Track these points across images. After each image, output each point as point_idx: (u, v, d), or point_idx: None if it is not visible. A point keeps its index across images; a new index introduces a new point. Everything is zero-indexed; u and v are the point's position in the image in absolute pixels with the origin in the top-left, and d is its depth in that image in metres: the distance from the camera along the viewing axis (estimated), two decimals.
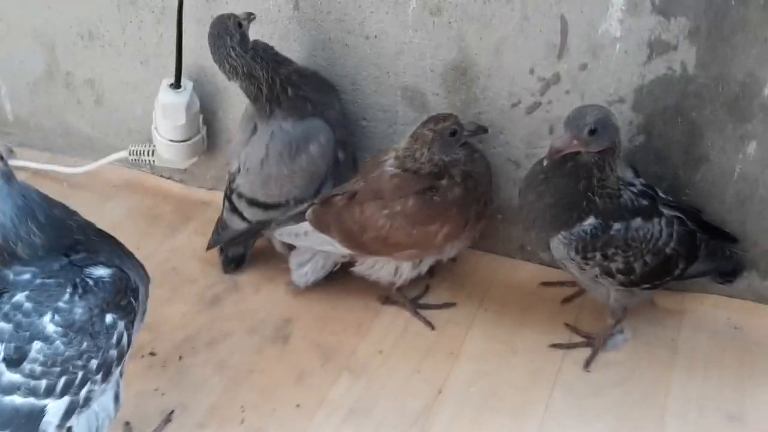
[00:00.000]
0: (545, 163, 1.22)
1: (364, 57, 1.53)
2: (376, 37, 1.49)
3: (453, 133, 1.36)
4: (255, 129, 1.53)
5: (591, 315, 1.52)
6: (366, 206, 1.42)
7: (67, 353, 1.00)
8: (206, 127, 1.78)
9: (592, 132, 1.20)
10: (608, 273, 1.30)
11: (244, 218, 1.57)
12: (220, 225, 1.63)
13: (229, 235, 1.61)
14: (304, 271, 1.55)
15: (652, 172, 1.38)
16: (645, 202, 1.29)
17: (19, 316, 0.99)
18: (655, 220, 1.29)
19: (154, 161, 1.83)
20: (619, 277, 1.31)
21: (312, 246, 1.51)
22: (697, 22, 1.23)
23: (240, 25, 1.42)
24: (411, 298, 1.57)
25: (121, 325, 1.05)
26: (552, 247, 1.31)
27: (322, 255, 1.52)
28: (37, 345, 0.99)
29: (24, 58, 1.91)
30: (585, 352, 1.44)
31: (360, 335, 1.51)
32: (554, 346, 1.45)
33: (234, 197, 1.57)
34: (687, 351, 1.44)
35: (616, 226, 1.27)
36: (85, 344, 1.02)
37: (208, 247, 1.65)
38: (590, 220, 1.26)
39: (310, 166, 1.49)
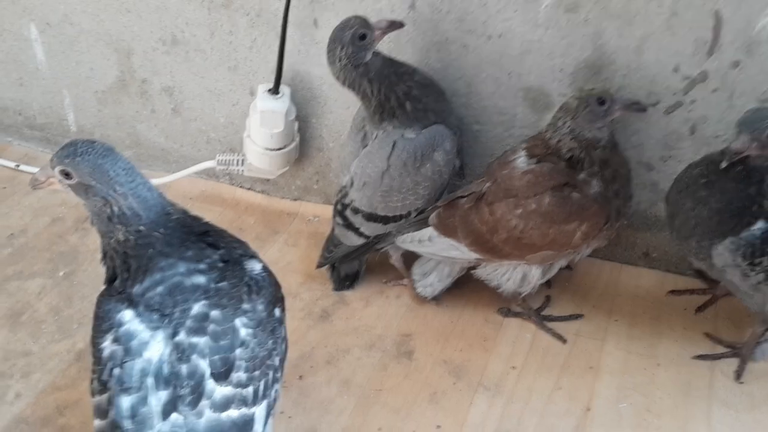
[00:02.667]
0: (723, 164, 1.15)
1: (485, 57, 1.46)
2: (500, 36, 1.42)
3: (602, 102, 1.26)
4: (365, 138, 1.46)
5: (729, 324, 1.45)
6: (496, 206, 1.34)
7: (261, 354, 0.98)
8: (299, 135, 1.69)
9: None
10: None
11: (360, 234, 1.48)
12: (331, 242, 1.54)
13: (342, 251, 1.53)
14: (430, 281, 1.48)
15: None
16: None
17: (213, 326, 0.95)
18: None
19: (243, 171, 1.75)
20: None
21: (437, 252, 1.43)
22: None
23: (363, 36, 1.33)
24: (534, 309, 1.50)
25: (284, 317, 1.06)
26: (715, 255, 1.24)
27: (448, 262, 1.45)
28: (238, 352, 0.95)
29: (95, 66, 1.83)
30: (732, 363, 1.37)
31: (487, 350, 1.43)
32: (699, 357, 1.38)
33: (348, 213, 1.48)
34: None
35: None
36: (270, 342, 1.00)
37: (319, 266, 1.57)
38: (760, 224, 1.19)
39: (434, 174, 1.41)
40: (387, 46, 1.51)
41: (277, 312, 1.04)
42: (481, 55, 1.46)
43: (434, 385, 1.36)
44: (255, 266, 1.04)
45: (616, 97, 1.26)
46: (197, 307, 0.96)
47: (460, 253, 1.40)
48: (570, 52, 1.39)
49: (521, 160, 1.34)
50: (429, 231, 1.42)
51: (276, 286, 1.07)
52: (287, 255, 1.68)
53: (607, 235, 1.36)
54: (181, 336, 0.95)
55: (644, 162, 1.45)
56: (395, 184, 1.41)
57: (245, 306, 0.98)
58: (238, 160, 1.74)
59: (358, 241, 1.49)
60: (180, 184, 1.85)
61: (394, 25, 1.36)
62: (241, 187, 1.87)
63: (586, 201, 1.29)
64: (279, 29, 1.55)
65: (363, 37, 1.33)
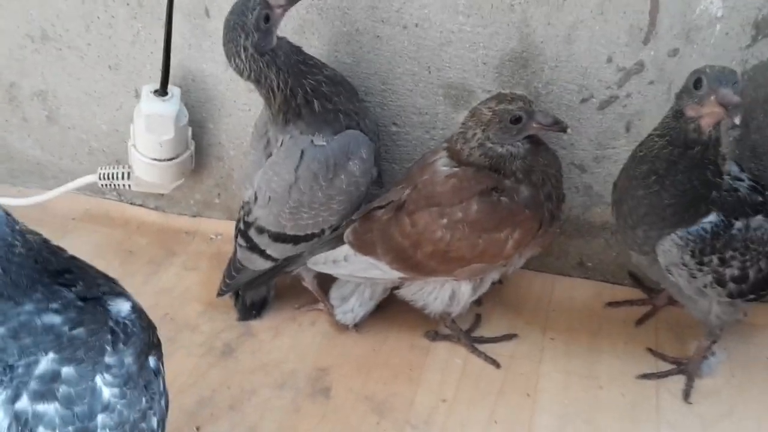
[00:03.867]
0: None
1: (400, 50, 1.30)
2: (417, 25, 1.26)
3: (516, 120, 1.12)
4: (268, 145, 1.26)
5: (671, 336, 1.35)
6: (418, 216, 1.18)
7: (132, 417, 0.80)
8: (194, 143, 1.49)
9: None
10: (720, 282, 1.13)
11: (267, 256, 1.29)
12: (233, 266, 1.34)
13: (247, 277, 1.33)
14: (350, 306, 1.31)
15: (746, 168, 1.21)
16: (759, 198, 1.12)
17: (65, 388, 0.76)
18: None
19: (130, 186, 1.53)
20: (731, 286, 1.13)
21: (355, 273, 1.26)
22: None
23: (267, 18, 1.13)
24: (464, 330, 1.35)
25: (161, 367, 0.89)
26: (661, 251, 1.11)
27: (369, 283, 1.28)
28: (100, 419, 0.77)
29: None
30: (679, 381, 1.26)
31: (414, 381, 1.28)
32: (644, 376, 1.26)
33: (252, 233, 1.28)
34: None
35: (738, 224, 1.10)
36: (143, 401, 0.82)
37: (220, 294, 1.37)
38: (712, 217, 1.08)
39: (350, 187, 1.23)
40: (290, 38, 1.33)
41: (151, 362, 0.86)
42: (396, 48, 1.30)
43: (355, 427, 1.20)
44: (122, 307, 0.84)
45: (534, 112, 1.12)
46: (45, 363, 0.76)
47: (381, 272, 1.24)
48: (494, 43, 1.24)
49: (442, 163, 1.19)
50: (345, 249, 1.25)
51: (149, 330, 0.88)
52: (185, 280, 1.48)
53: (541, 241, 1.22)
54: (23, 402, 0.74)
55: (576, 163, 1.32)
56: (305, 199, 1.23)
57: (108, 359, 0.79)
58: (123, 174, 1.52)
59: (265, 264, 1.30)
60: (60, 203, 1.62)
61: None
62: (131, 203, 1.65)
63: (516, 206, 1.15)
64: (164, 20, 1.34)
65: (267, 18, 1.13)
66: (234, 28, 1.13)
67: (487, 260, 1.19)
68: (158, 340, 0.91)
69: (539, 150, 1.17)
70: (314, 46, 1.34)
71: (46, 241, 0.86)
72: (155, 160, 1.44)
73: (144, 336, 0.86)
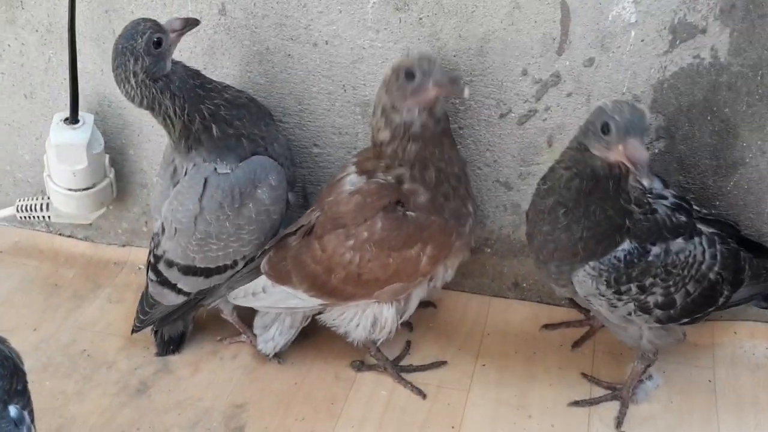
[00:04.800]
0: (647, 182, 0.94)
1: (313, 68, 1.24)
2: (327, 42, 1.21)
3: (409, 75, 1.02)
4: (175, 173, 1.21)
5: (608, 358, 1.28)
6: (326, 240, 1.12)
7: None
8: (114, 170, 1.43)
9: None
10: (645, 309, 1.06)
11: (179, 291, 1.23)
12: (146, 302, 1.28)
13: (161, 312, 1.27)
14: (270, 335, 1.25)
15: (674, 182, 1.15)
16: (683, 218, 1.05)
17: None
18: (696, 239, 1.06)
19: (49, 217, 1.47)
20: (657, 312, 1.07)
21: (275, 305, 1.21)
22: None
23: (158, 43, 1.08)
24: (391, 360, 1.28)
25: (27, 417, 0.84)
26: (576, 282, 1.05)
27: (289, 312, 1.21)
28: None
29: None
30: (613, 407, 1.18)
31: (334, 416, 1.21)
32: (575, 403, 1.19)
33: (162, 266, 1.22)
34: (728, 393, 1.21)
35: (655, 250, 1.03)
36: None
37: (134, 330, 1.31)
38: (624, 245, 1.01)
39: (260, 216, 1.16)
40: (201, 60, 1.28)
41: (11, 411, 0.81)
42: (309, 66, 1.24)
43: None
44: None
45: (432, 70, 1.02)
46: None
47: (301, 301, 1.18)
48: None
49: (350, 180, 1.13)
50: (262, 281, 1.20)
51: (11, 377, 0.82)
52: (108, 314, 1.42)
53: (462, 247, 1.15)
54: None
55: (501, 181, 1.26)
56: (212, 230, 1.16)
57: None
58: (41, 205, 1.47)
59: (177, 299, 1.24)
60: None
61: (189, 23, 1.11)
62: (60, 234, 1.59)
63: (423, 218, 1.09)
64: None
65: (159, 43, 1.08)
66: (123, 52, 1.08)
67: (404, 279, 1.12)
68: (25, 386, 0.85)
69: (440, 145, 1.08)
70: (225, 67, 1.29)
71: None
72: (71, 190, 1.39)
73: (3, 383, 0.80)
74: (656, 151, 1.16)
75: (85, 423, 1.21)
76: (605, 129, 0.94)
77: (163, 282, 1.23)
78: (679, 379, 1.22)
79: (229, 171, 1.15)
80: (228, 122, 1.14)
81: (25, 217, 1.50)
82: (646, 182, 0.92)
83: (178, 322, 1.31)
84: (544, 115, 1.18)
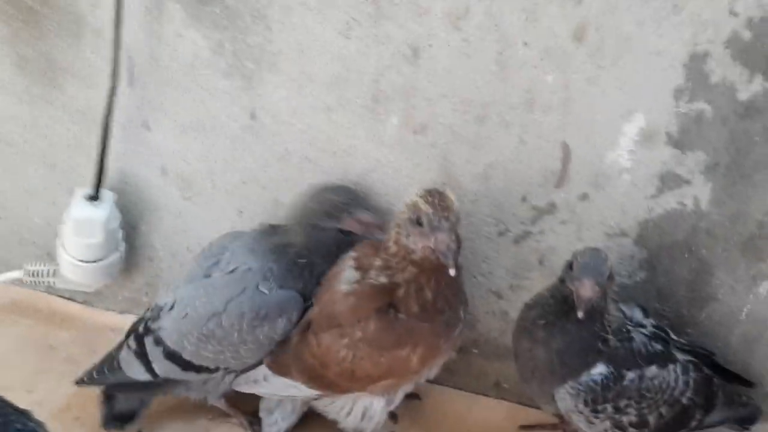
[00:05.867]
0: (581, 315, 1.06)
1: (328, 171, 1.33)
2: (344, 151, 1.30)
3: (418, 221, 1.08)
4: (215, 265, 1.25)
5: None
6: (322, 337, 1.20)
7: None
8: (125, 244, 1.50)
9: (610, 276, 1.09)
10: (620, 427, 1.16)
11: (150, 369, 1.24)
12: (109, 363, 1.28)
13: (118, 380, 1.27)
14: (274, 419, 1.30)
15: (652, 309, 1.26)
16: (659, 347, 1.16)
17: None
18: (671, 366, 1.16)
19: (55, 283, 1.52)
20: (632, 431, 1.16)
21: (276, 392, 1.27)
22: (716, 158, 1.14)
23: None
24: None
25: None
26: (558, 399, 1.15)
27: (290, 399, 1.28)
28: None
29: None
30: None
31: None
32: None
33: (149, 340, 1.24)
34: None
35: (630, 375, 1.14)
36: None
37: (78, 382, 1.29)
38: (600, 368, 1.13)
39: (266, 340, 1.21)
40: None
41: None
42: (324, 169, 1.33)
43: None
44: None
45: (441, 227, 1.07)
46: None
47: (299, 391, 1.25)
48: (417, 173, 1.29)
49: (347, 275, 1.20)
50: (263, 370, 1.26)
51: None
52: None
53: (449, 347, 1.22)
54: None
55: (494, 290, 1.35)
56: (219, 333, 1.20)
57: None
58: (49, 271, 1.51)
59: (142, 376, 1.25)
60: None
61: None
62: (59, 296, 1.63)
63: (413, 322, 1.16)
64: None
65: None
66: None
67: (396, 377, 1.20)
68: None
69: (442, 275, 1.12)
70: (247, 161, 1.37)
71: None
72: (82, 261, 1.44)
73: None
74: (638, 279, 1.27)
75: None
76: (570, 266, 1.09)
77: (140, 354, 1.24)
78: None
79: (266, 291, 1.21)
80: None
81: (31, 282, 1.54)
82: (579, 315, 1.06)
83: (134, 399, 1.30)
84: (538, 237, 1.28)
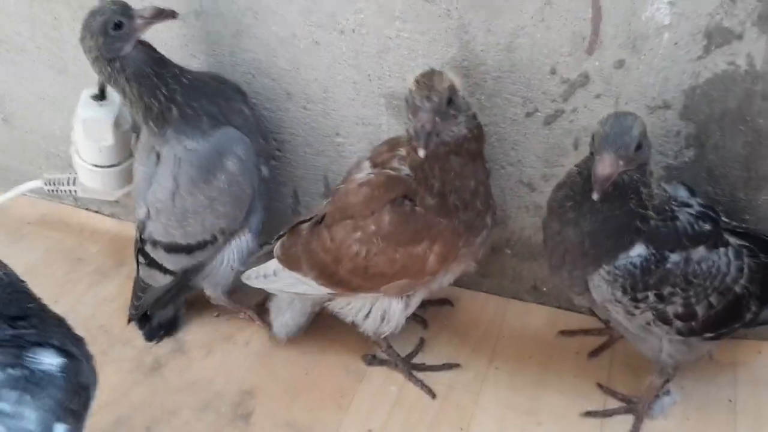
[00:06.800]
0: (596, 196, 0.93)
1: (339, 56, 1.22)
2: (354, 31, 1.19)
3: (118, 26, 1.09)
4: (158, 158, 1.22)
5: (626, 370, 1.24)
6: (335, 230, 1.12)
7: None
8: None
9: (638, 147, 0.94)
10: (664, 319, 1.02)
11: (166, 271, 1.26)
12: (138, 287, 1.31)
13: (153, 296, 1.29)
14: (285, 320, 1.25)
15: (703, 192, 1.10)
16: (707, 227, 1.01)
17: None
18: (721, 250, 1.01)
19: (76, 192, 1.49)
20: (677, 323, 1.03)
21: (284, 288, 1.21)
22: None
23: (118, 25, 1.11)
24: (404, 356, 1.26)
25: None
26: (592, 287, 1.02)
27: (300, 298, 1.21)
28: None
29: None
30: (626, 421, 1.15)
31: (342, 409, 1.20)
32: (588, 414, 1.16)
33: (148, 248, 1.26)
34: (749, 413, 1.17)
35: (674, 257, 0.99)
36: None
37: (130, 319, 1.33)
38: (640, 249, 0.98)
39: (232, 186, 1.19)
40: (229, 43, 1.28)
41: (59, 429, 0.78)
42: (335, 54, 1.23)
43: None
44: (49, 360, 0.79)
45: (423, 107, 0.98)
46: None
47: (309, 288, 1.17)
48: (433, 51, 1.16)
49: (364, 173, 1.11)
50: (273, 264, 1.20)
51: (72, 391, 0.82)
52: (128, 291, 1.41)
53: (470, 255, 1.13)
54: None
55: (525, 182, 1.23)
56: (188, 205, 1.19)
57: (6, 407, 0.73)
58: (68, 179, 1.48)
59: (165, 279, 1.27)
60: (17, 206, 1.60)
61: (163, 14, 1.14)
62: (87, 209, 1.62)
63: (430, 216, 1.06)
64: None
65: (119, 25, 1.11)
66: (84, 26, 1.13)
67: (411, 276, 1.11)
68: (81, 406, 0.84)
69: (448, 164, 1.04)
70: (251, 51, 1.28)
71: (12, 284, 0.83)
72: (96, 166, 1.40)
73: (61, 396, 0.79)
74: (686, 159, 1.12)
75: (97, 399, 1.21)
76: (593, 139, 0.95)
77: (151, 263, 1.26)
78: (697, 397, 1.18)
79: (196, 146, 1.18)
80: (185, 104, 1.16)
81: (52, 191, 1.52)
82: (594, 197, 0.92)
83: (169, 307, 1.32)
84: (571, 116, 1.14)
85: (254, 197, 1.22)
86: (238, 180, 1.19)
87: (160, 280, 1.26)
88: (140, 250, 1.27)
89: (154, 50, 1.16)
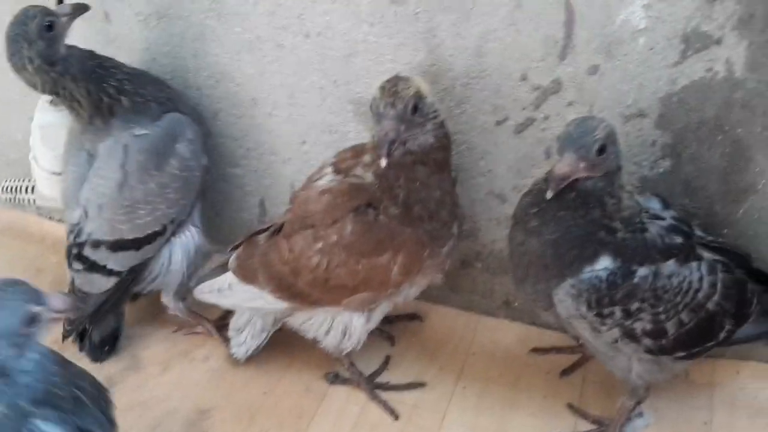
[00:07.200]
0: (549, 195, 0.89)
1: (305, 60, 1.18)
2: (319, 34, 1.15)
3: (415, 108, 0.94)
4: (91, 158, 1.18)
5: (599, 390, 1.18)
6: (294, 240, 1.06)
7: None
8: None
9: (601, 150, 0.89)
10: (632, 336, 0.97)
11: (110, 272, 1.18)
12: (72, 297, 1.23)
13: (92, 305, 1.21)
14: (243, 338, 1.20)
15: (679, 205, 1.06)
16: (678, 240, 0.96)
17: None
18: (693, 264, 0.96)
19: (34, 200, 1.44)
20: (646, 341, 0.98)
21: (240, 303, 1.15)
22: (749, 7, 0.93)
23: (50, 26, 1.08)
24: (367, 375, 1.21)
25: None
26: (557, 301, 0.97)
27: (259, 314, 1.16)
28: None
29: None
30: None
31: (299, 430, 1.14)
32: None
33: (87, 250, 1.18)
34: None
35: (642, 271, 0.94)
36: None
37: (65, 337, 1.25)
38: (606, 262, 0.93)
39: (183, 171, 1.17)
40: (191, 46, 1.23)
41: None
42: (301, 58, 1.18)
43: None
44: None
45: (385, 115, 0.93)
46: None
47: (266, 302, 1.12)
48: (401, 55, 1.12)
49: (326, 179, 1.06)
50: (228, 277, 1.15)
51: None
52: None
53: (435, 266, 1.07)
54: None
55: (495, 193, 1.18)
56: (138, 195, 1.15)
57: None
58: (26, 188, 1.43)
59: (108, 283, 1.19)
60: None
61: (81, 8, 1.12)
62: (50, 218, 1.56)
63: (394, 225, 1.01)
64: None
65: (50, 26, 1.08)
66: (16, 39, 1.08)
67: (374, 288, 1.05)
68: None
69: (413, 174, 1.00)
70: (214, 54, 1.23)
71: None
72: (55, 174, 1.35)
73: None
74: (661, 170, 1.07)
75: None
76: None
77: (92, 267, 1.19)
78: (672, 419, 1.13)
79: (146, 131, 1.14)
80: (135, 92, 1.14)
81: (10, 199, 1.47)
82: (548, 195, 0.89)
83: (110, 318, 1.26)
84: (543, 124, 1.10)
85: (202, 185, 1.19)
86: (190, 165, 1.16)
87: (102, 285, 1.19)
88: (76, 257, 1.19)
89: (82, 48, 1.14)
